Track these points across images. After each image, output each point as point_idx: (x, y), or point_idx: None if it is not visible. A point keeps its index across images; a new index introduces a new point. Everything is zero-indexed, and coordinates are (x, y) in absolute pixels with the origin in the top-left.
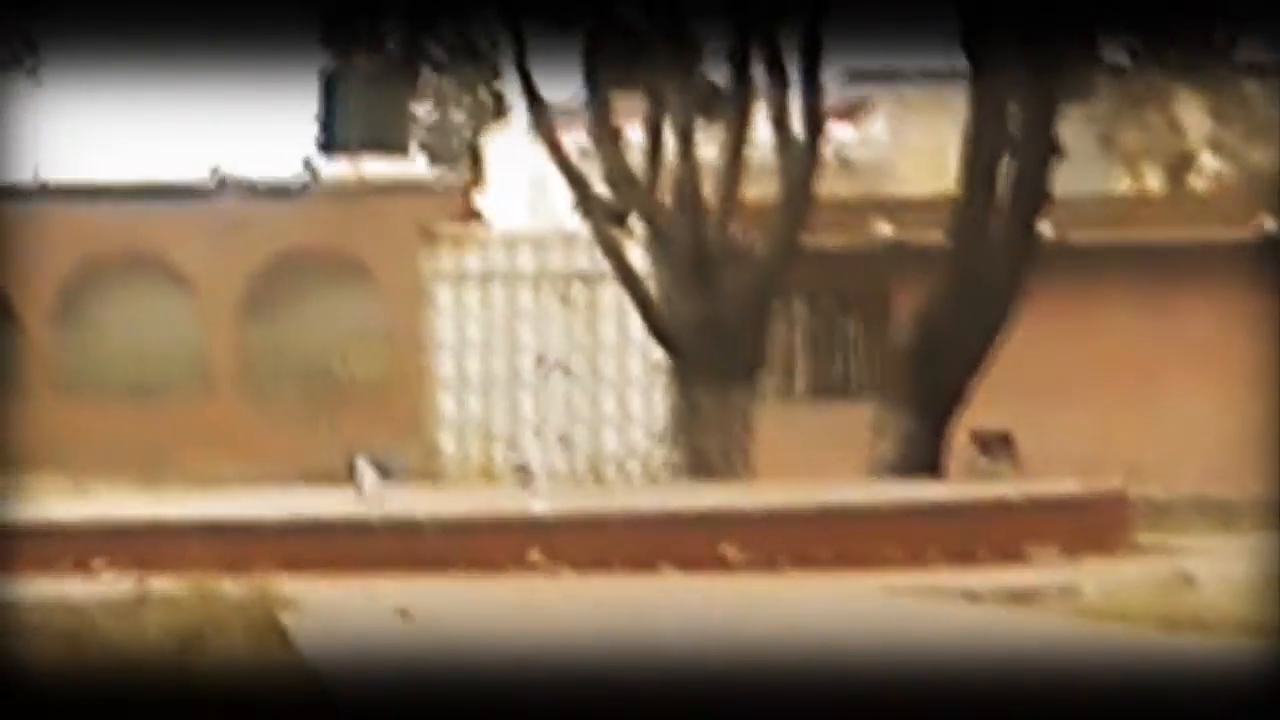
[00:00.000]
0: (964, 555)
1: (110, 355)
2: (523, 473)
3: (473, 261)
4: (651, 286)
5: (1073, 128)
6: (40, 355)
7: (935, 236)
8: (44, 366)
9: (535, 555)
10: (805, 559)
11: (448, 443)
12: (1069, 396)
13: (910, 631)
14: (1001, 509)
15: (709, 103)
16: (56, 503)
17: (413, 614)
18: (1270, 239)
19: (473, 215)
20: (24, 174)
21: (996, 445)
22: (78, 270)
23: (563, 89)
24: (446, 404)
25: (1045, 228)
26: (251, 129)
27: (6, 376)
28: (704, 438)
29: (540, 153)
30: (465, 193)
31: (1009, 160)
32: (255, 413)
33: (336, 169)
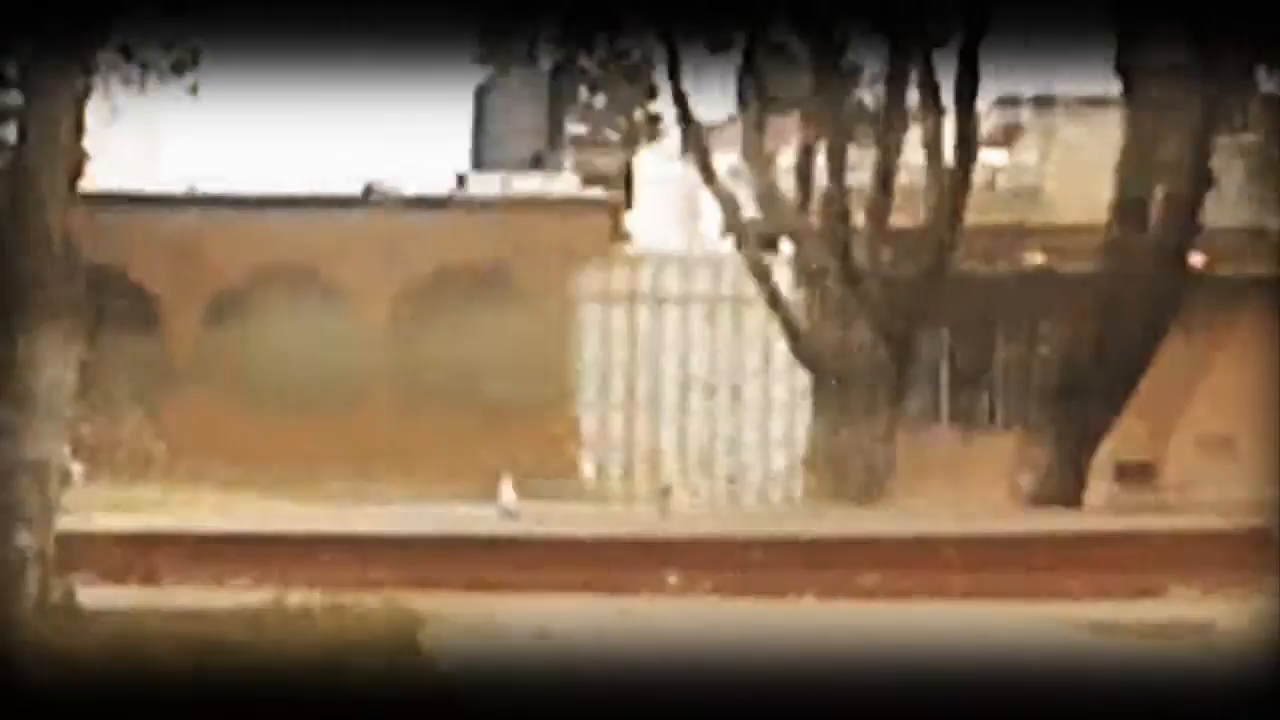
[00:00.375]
0: (1102, 588)
1: (264, 366)
2: (664, 495)
3: (620, 281)
4: (798, 311)
5: (1226, 158)
6: (195, 364)
7: (1085, 264)
8: (198, 375)
9: (673, 577)
10: (943, 588)
11: (590, 463)
12: (1212, 429)
13: (1045, 662)
14: (1141, 542)
15: (861, 126)
16: (198, 513)
17: (550, 633)
18: None
19: (622, 235)
20: (183, 185)
21: (1139, 476)
22: (231, 280)
23: (717, 109)
24: (590, 424)
25: (1196, 259)
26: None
27: (158, 385)
28: (846, 464)
29: (692, 173)
30: (616, 212)
31: (1161, 189)
32: (406, 427)
33: (488, 185)
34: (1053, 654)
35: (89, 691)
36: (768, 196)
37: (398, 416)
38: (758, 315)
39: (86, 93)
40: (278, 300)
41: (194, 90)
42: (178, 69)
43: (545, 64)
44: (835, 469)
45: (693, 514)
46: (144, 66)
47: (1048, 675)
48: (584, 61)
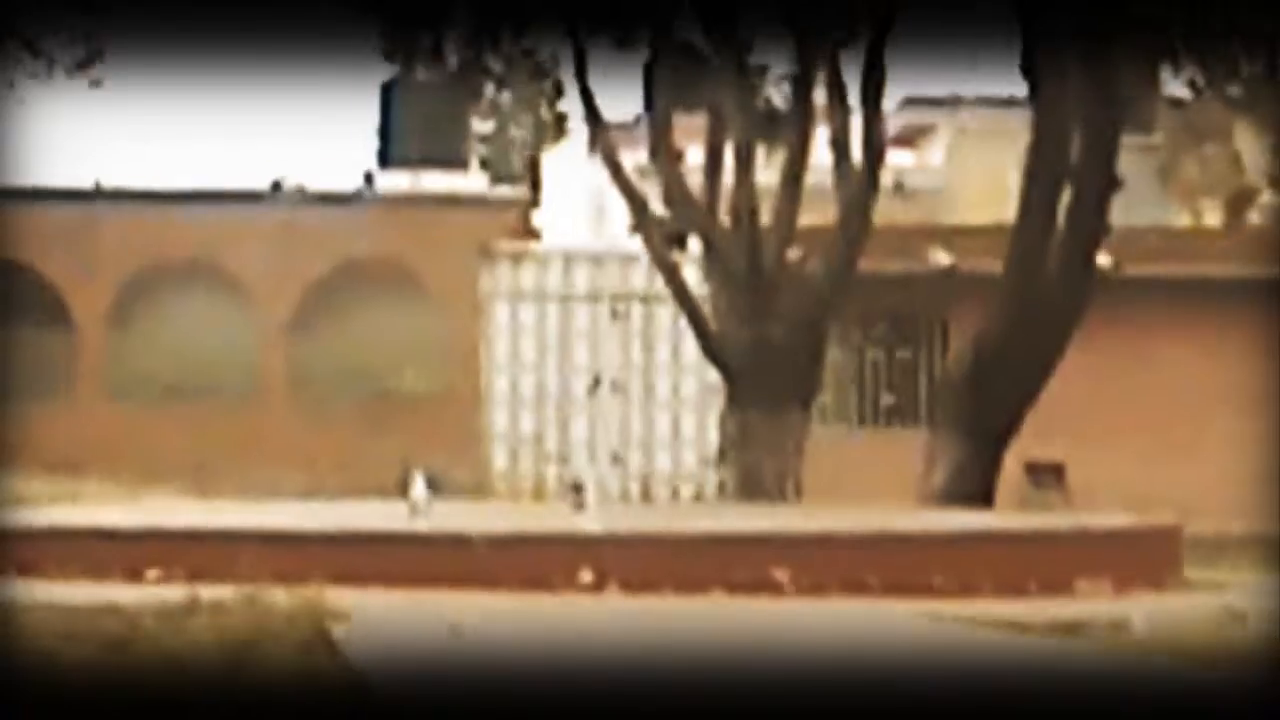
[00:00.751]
0: (1013, 586)
1: (165, 361)
2: (576, 491)
3: (529, 278)
4: (707, 308)
5: (1133, 160)
6: (95, 360)
7: (992, 265)
8: (98, 371)
9: (585, 574)
10: (854, 584)
11: (500, 459)
12: (1122, 430)
13: (955, 660)
14: (1051, 540)
15: (769, 125)
16: (108, 508)
17: (463, 629)
18: None
19: (530, 232)
20: (85, 179)
21: (1048, 476)
22: (135, 275)
23: (624, 108)
24: (500, 421)
25: (1102, 259)
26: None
27: (61, 379)
28: (756, 461)
29: (599, 171)
30: (523, 210)
31: (1068, 190)
32: (307, 423)
33: (395, 181)
34: (962, 651)
35: None
36: (676, 195)
37: (302, 412)
38: (667, 312)
39: None
40: (182, 295)
41: (98, 84)
42: (83, 64)
43: (452, 61)
44: (746, 466)
45: (604, 510)
46: (49, 61)
47: (954, 672)
48: (490, 59)
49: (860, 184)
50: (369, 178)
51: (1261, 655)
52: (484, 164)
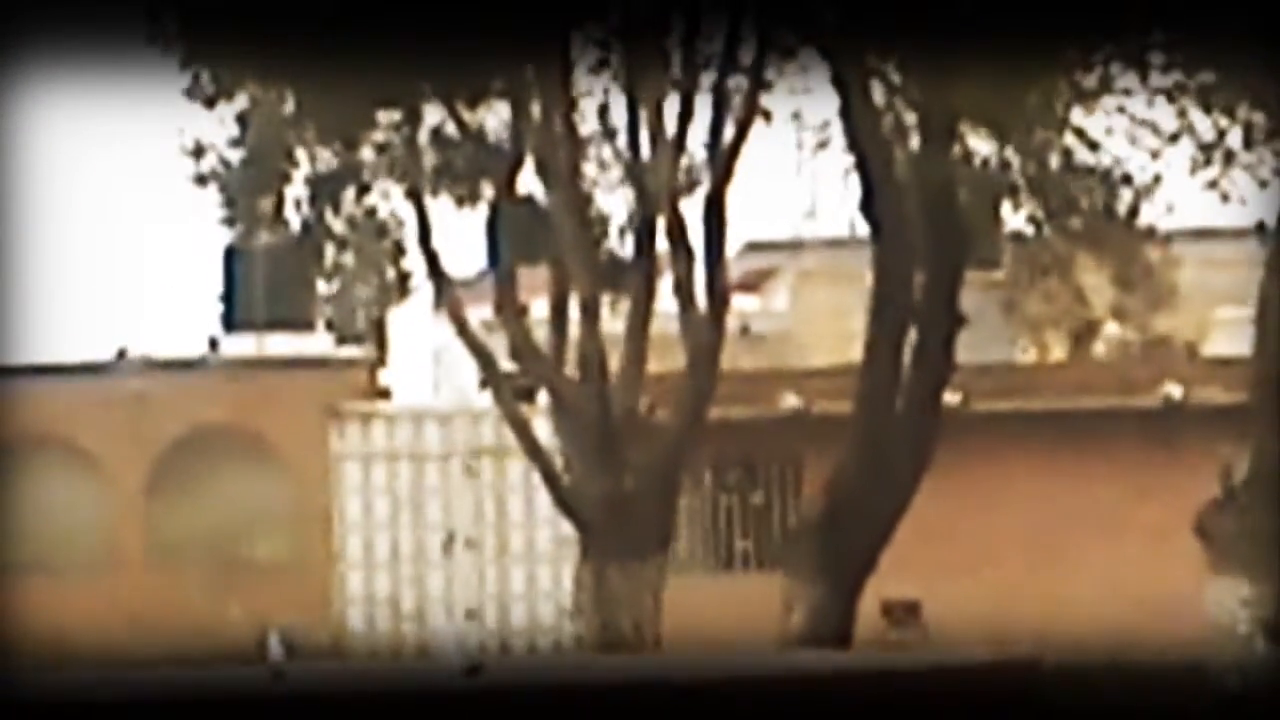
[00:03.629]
0: None
1: (14, 533)
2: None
3: (379, 438)
4: (558, 460)
5: (976, 295)
6: None
7: (842, 406)
8: None
9: None
10: None
11: (357, 620)
12: (978, 563)
13: None
14: (908, 678)
15: (613, 275)
16: None
17: None
18: (1174, 405)
19: (379, 392)
20: None
21: (904, 614)
22: None
23: (467, 264)
24: (355, 582)
25: (951, 396)
26: (156, 306)
27: None
28: (613, 611)
29: (445, 327)
30: (371, 369)
31: (914, 328)
32: (162, 590)
33: (241, 345)
34: None
35: None
36: (523, 348)
37: (155, 578)
38: (519, 466)
39: None
40: (30, 468)
41: None
42: None
43: (294, 224)
44: (603, 616)
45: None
46: None
47: None
48: (332, 220)
49: (706, 330)
50: (214, 343)
51: None
52: (329, 325)
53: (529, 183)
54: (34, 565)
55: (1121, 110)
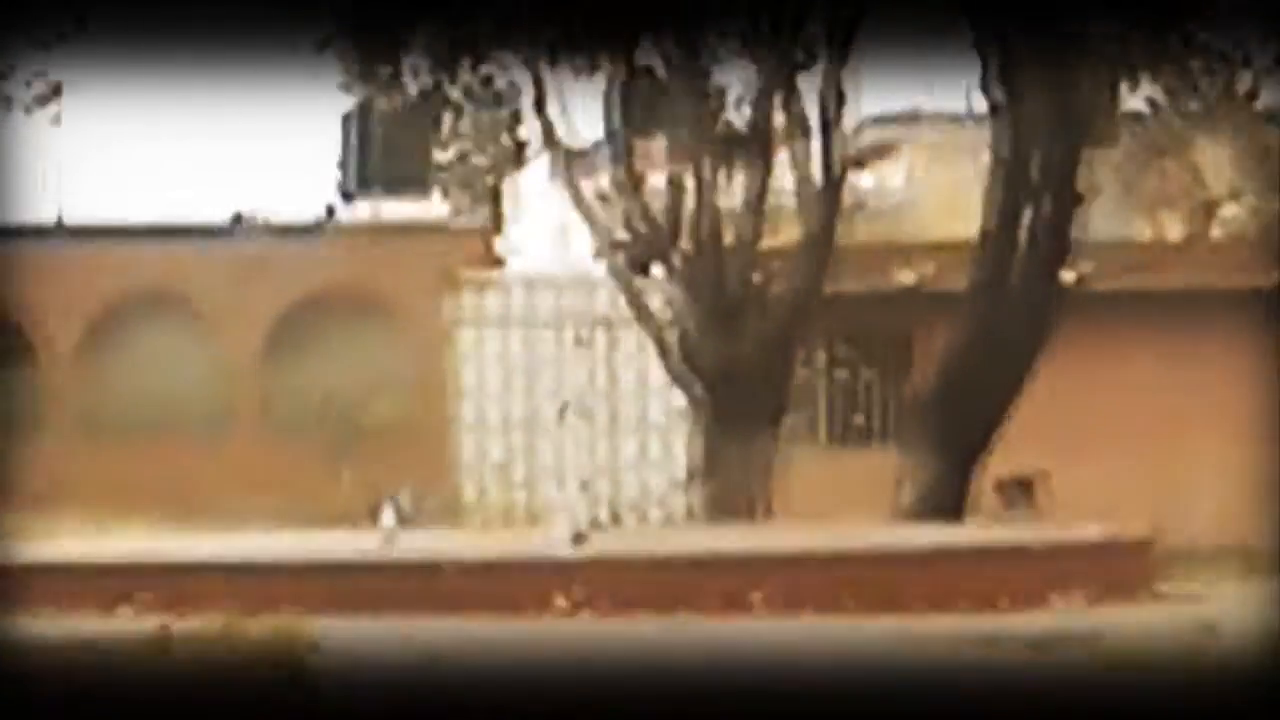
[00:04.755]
0: (986, 601)
1: (132, 395)
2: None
3: (494, 305)
4: (672, 332)
5: (1095, 174)
6: (62, 395)
7: (957, 282)
8: (66, 406)
9: (559, 599)
10: (828, 604)
11: (469, 488)
12: (1091, 444)
13: (930, 678)
14: (1024, 555)
15: (730, 148)
16: (79, 543)
17: (439, 656)
18: None
19: (494, 259)
20: (47, 215)
21: (1019, 492)
22: (100, 310)
23: (584, 134)
24: (467, 448)
25: (1067, 274)
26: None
27: (29, 416)
28: (725, 483)
29: (561, 197)
30: (486, 236)
31: (1031, 206)
32: (275, 454)
33: (357, 211)
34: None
35: None
36: (638, 219)
37: (270, 443)
38: (633, 336)
39: None
40: (148, 330)
41: (57, 121)
42: (41, 100)
43: (411, 90)
44: (715, 489)
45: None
46: (7, 99)
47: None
48: (449, 88)
49: (822, 204)
50: (330, 209)
51: (1235, 666)
52: (445, 192)
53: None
54: (149, 425)
55: None
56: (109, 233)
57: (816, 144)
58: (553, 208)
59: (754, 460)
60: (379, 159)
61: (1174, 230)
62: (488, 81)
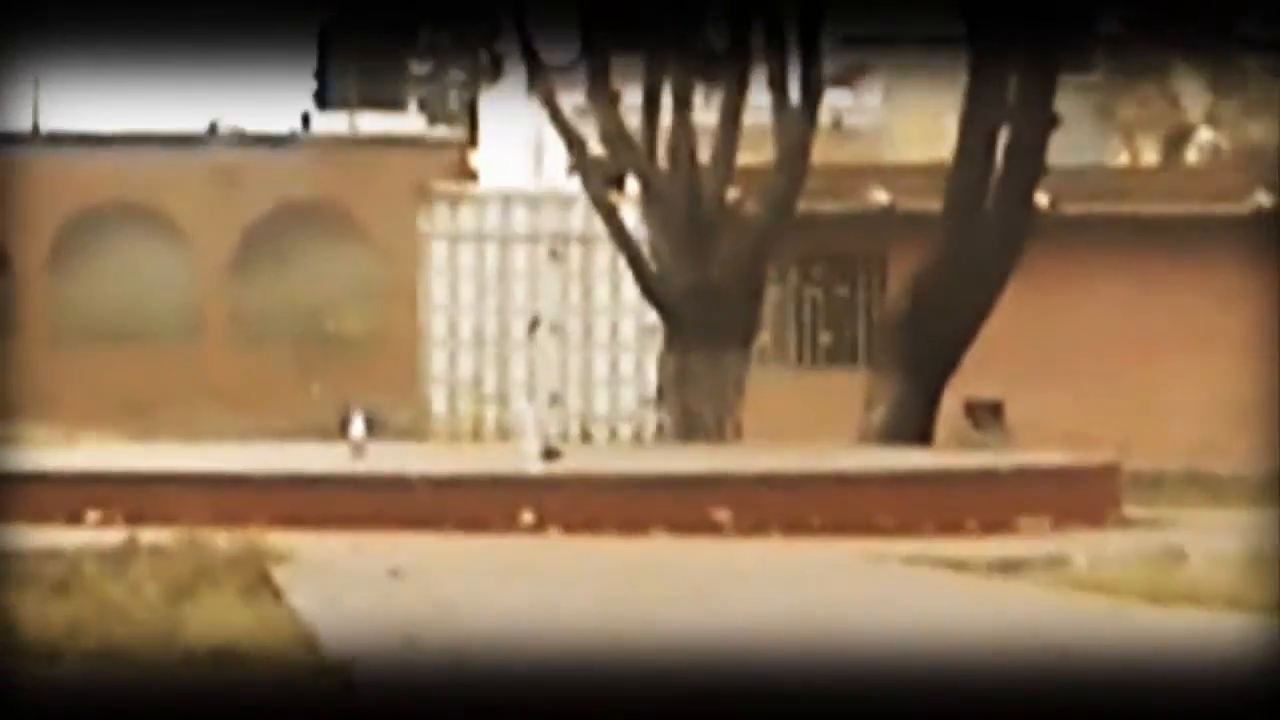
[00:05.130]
0: (953, 524)
1: (102, 304)
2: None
3: (467, 220)
4: (646, 249)
5: (1070, 99)
6: (32, 304)
7: (931, 203)
8: (36, 315)
9: (527, 515)
10: (795, 524)
11: (439, 401)
12: (1061, 368)
13: (895, 599)
14: (991, 479)
15: (707, 66)
16: (47, 452)
17: (403, 571)
18: (1265, 214)
19: (468, 174)
20: (20, 123)
21: (987, 415)
22: (73, 218)
23: (561, 50)
24: (438, 362)
25: (1041, 198)
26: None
27: (1, 324)
28: (696, 402)
29: (537, 113)
30: (461, 151)
31: (1006, 129)
32: (246, 364)
33: (332, 123)
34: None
35: None
36: (613, 136)
37: (239, 352)
38: (606, 253)
39: None
40: (120, 238)
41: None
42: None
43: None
44: (685, 407)
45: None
46: None
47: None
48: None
49: (799, 123)
50: (306, 119)
51: (1200, 593)
52: (421, 105)
53: None
54: (119, 334)
55: None
56: (83, 140)
57: (794, 61)
58: (528, 124)
59: (724, 379)
60: (355, 72)
61: (1149, 155)
62: None
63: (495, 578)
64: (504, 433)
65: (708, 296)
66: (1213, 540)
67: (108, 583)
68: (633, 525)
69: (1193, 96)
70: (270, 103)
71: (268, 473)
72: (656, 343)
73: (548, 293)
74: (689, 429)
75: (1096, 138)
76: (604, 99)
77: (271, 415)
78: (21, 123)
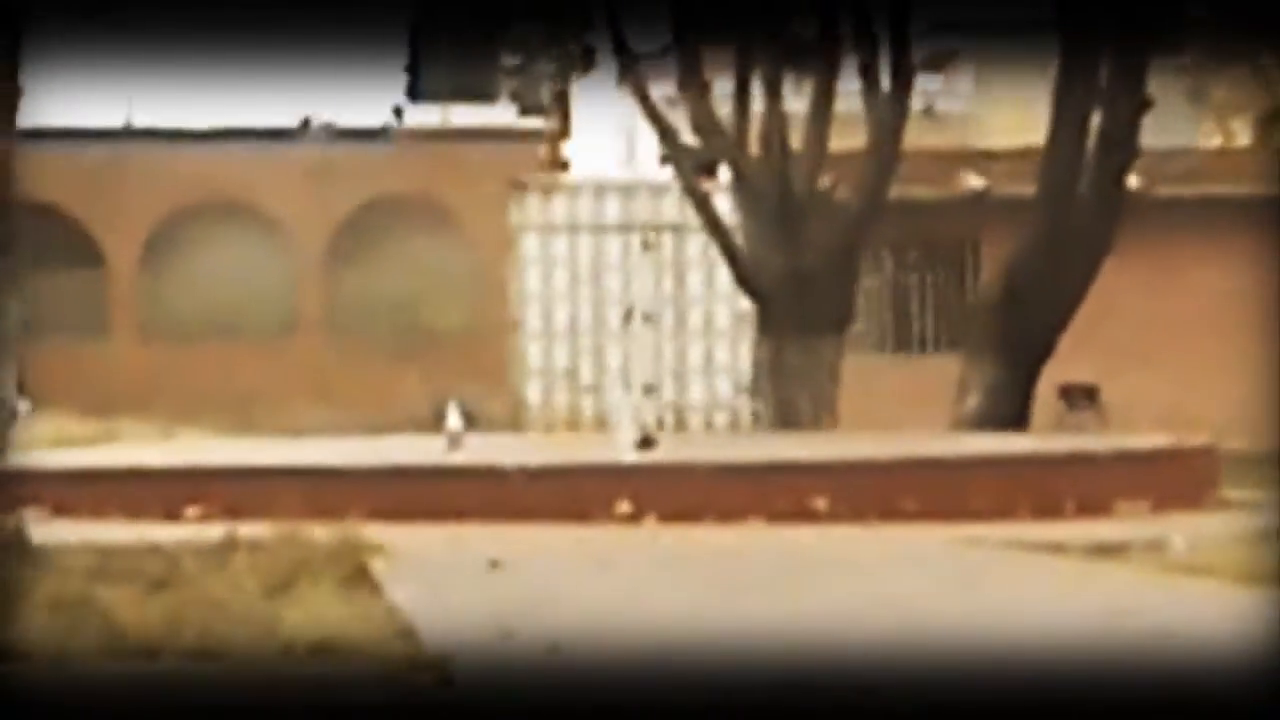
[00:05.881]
0: (1050, 508)
1: (198, 299)
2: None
3: (560, 211)
4: (739, 237)
5: (1162, 81)
6: (129, 300)
7: (1024, 188)
8: (132, 311)
9: (624, 505)
10: (892, 510)
11: (534, 392)
12: (1156, 350)
13: (993, 584)
14: (1088, 462)
15: (797, 54)
16: (146, 448)
17: (502, 563)
18: None
19: (560, 164)
20: (114, 120)
21: (1082, 399)
22: (167, 214)
23: (652, 40)
24: (533, 353)
25: (1133, 181)
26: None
27: (95, 322)
28: (790, 389)
29: (629, 103)
30: (553, 142)
31: (1098, 113)
32: (340, 358)
33: (424, 116)
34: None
35: (40, 632)
36: (705, 124)
37: (334, 346)
38: (699, 242)
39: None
40: (215, 233)
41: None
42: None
43: None
44: (781, 395)
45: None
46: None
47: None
48: None
49: (890, 109)
50: (398, 113)
51: None
52: (513, 97)
53: None
54: (214, 330)
55: None
56: (177, 137)
57: (884, 49)
58: (620, 114)
59: (819, 366)
60: (447, 64)
61: (1242, 137)
62: None
63: (592, 568)
64: (599, 423)
65: (801, 283)
66: None
67: (207, 578)
68: (729, 514)
69: None
70: (362, 97)
71: (365, 466)
72: (750, 331)
73: (641, 282)
74: (784, 417)
75: (1189, 120)
76: (695, 88)
77: (367, 408)
78: (115, 120)
